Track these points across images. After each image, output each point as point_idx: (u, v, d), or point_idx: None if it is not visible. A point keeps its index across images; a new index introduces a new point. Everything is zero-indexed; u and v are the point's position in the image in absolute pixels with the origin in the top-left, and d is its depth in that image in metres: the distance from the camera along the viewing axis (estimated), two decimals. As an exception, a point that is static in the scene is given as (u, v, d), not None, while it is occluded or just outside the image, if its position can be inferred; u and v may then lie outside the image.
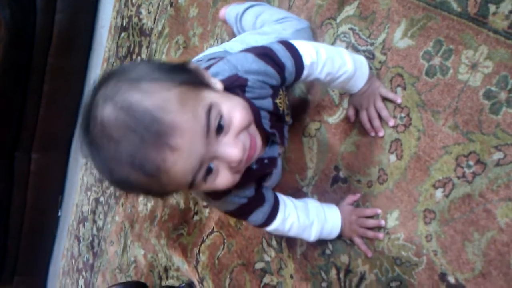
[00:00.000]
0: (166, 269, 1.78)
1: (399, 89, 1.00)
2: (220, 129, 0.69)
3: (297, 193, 1.22)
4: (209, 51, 1.10)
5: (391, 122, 1.01)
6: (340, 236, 1.09)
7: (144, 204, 1.97)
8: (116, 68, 0.72)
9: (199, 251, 1.59)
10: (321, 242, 1.13)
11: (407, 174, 0.99)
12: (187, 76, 0.71)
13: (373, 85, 1.03)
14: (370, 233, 1.04)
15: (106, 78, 0.68)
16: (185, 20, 1.75)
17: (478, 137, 0.87)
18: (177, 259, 1.71)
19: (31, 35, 2.33)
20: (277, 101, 0.88)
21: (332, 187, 1.14)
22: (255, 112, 0.82)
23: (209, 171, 0.71)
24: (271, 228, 1.00)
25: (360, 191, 1.08)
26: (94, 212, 2.47)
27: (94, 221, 2.46)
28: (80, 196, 2.65)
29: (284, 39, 0.95)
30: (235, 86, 0.80)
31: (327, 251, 1.13)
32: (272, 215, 0.98)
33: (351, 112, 1.09)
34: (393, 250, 1.00)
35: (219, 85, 0.76)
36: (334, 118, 1.14)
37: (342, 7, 1.14)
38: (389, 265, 1.01)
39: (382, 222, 1.02)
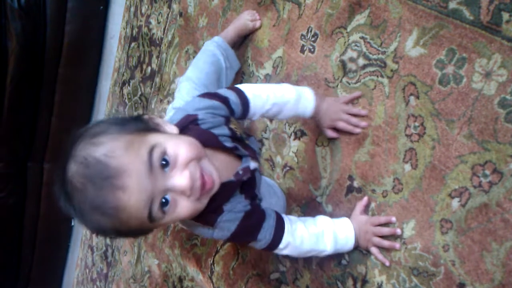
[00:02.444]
0: (180, 279, 1.78)
1: (412, 98, 1.00)
2: (166, 165, 0.78)
3: (310, 203, 1.22)
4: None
5: (363, 112, 1.10)
6: (356, 247, 1.08)
7: (157, 214, 1.97)
8: (82, 129, 0.82)
9: (213, 261, 1.59)
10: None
11: (422, 184, 0.98)
12: (138, 125, 0.83)
13: (330, 101, 1.13)
14: (386, 243, 1.03)
15: (75, 141, 0.79)
16: (194, 30, 1.76)
17: (494, 146, 0.87)
18: (192, 270, 1.71)
19: (42, 47, 2.35)
20: (232, 126, 0.98)
21: (346, 197, 1.14)
22: (212, 137, 0.93)
23: (165, 203, 0.78)
24: (283, 244, 0.98)
25: (375, 201, 1.07)
26: (107, 222, 2.47)
27: (108, 231, 2.46)
28: (93, 205, 2.66)
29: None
30: (188, 122, 0.92)
31: (343, 261, 1.13)
32: (279, 229, 0.98)
33: (331, 133, 1.16)
34: (410, 260, 1.00)
35: (174, 129, 0.88)
36: (347, 128, 1.14)
37: (353, 16, 1.14)
38: (406, 275, 1.00)
39: (398, 231, 1.02)
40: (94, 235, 2.64)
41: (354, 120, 1.11)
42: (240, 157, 1.01)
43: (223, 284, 1.53)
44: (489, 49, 0.88)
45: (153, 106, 2.02)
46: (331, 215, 1.10)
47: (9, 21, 2.22)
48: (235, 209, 0.94)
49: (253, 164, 1.02)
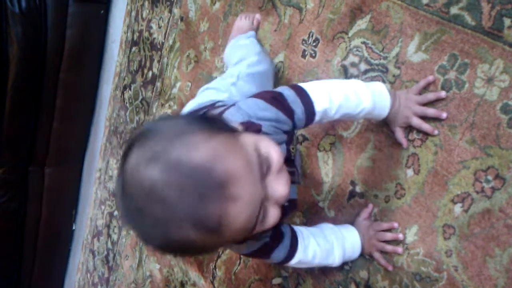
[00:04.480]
0: (182, 284, 1.78)
1: (414, 103, 1.00)
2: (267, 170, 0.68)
3: (313, 208, 1.22)
4: (197, 101, 1.09)
5: (444, 114, 0.94)
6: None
7: (158, 218, 1.97)
8: (144, 129, 0.68)
9: (215, 266, 1.58)
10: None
11: (425, 189, 0.98)
12: (219, 124, 0.71)
13: (401, 99, 0.98)
14: (389, 247, 1.03)
15: (137, 140, 0.66)
16: (195, 35, 1.76)
17: (496, 152, 0.87)
18: (193, 274, 1.71)
19: (43, 51, 2.35)
20: (291, 147, 0.88)
21: (348, 202, 1.14)
22: None
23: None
24: (294, 261, 0.94)
25: (377, 206, 1.07)
26: (108, 226, 2.47)
27: (109, 235, 2.46)
28: (94, 210, 2.66)
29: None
30: (252, 130, 0.78)
31: (346, 267, 1.13)
32: (293, 247, 0.93)
33: (401, 136, 1.02)
34: (413, 266, 0.99)
35: (240, 128, 0.74)
36: (349, 133, 1.14)
37: (354, 21, 1.14)
38: (409, 280, 1.00)
39: (400, 236, 1.02)
40: (95, 240, 2.64)
41: (431, 111, 0.96)
42: None
43: (225, 289, 1.53)
44: (491, 54, 0.88)
45: (154, 111, 2.02)
46: (334, 220, 1.10)
47: (10, 26, 2.22)
48: (264, 234, 0.86)
49: (295, 193, 0.94)
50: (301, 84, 0.87)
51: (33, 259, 2.90)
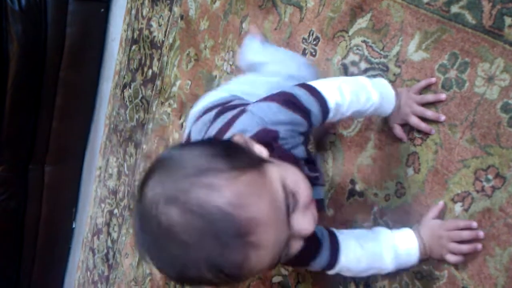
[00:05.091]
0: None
1: (414, 102, 1.00)
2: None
3: (313, 206, 1.22)
4: (213, 97, 1.03)
5: (442, 117, 0.95)
6: (426, 258, 0.96)
7: (158, 216, 1.97)
8: (164, 158, 0.67)
9: (215, 264, 1.58)
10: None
11: (425, 188, 0.98)
12: (244, 157, 0.66)
13: (403, 97, 0.97)
14: (465, 248, 0.89)
15: (157, 171, 0.64)
16: (196, 33, 1.76)
17: (497, 151, 0.87)
18: (193, 272, 1.70)
19: (43, 49, 2.35)
20: (309, 147, 0.86)
21: (348, 201, 1.14)
22: (295, 162, 0.77)
23: None
24: (340, 265, 0.89)
25: (377, 205, 1.07)
26: (108, 224, 2.47)
27: (109, 233, 2.46)
28: (94, 208, 2.66)
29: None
30: (269, 139, 0.74)
31: (345, 266, 1.13)
32: (334, 254, 0.89)
33: (399, 131, 1.01)
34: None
35: (263, 152, 0.70)
36: (349, 131, 1.14)
37: (354, 19, 1.14)
38: (409, 279, 1.00)
39: (481, 233, 0.88)
40: (95, 238, 2.64)
41: (430, 113, 0.96)
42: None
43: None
44: (491, 53, 0.87)
45: (154, 109, 2.02)
46: (333, 219, 1.10)
47: (10, 24, 2.22)
48: None
49: (322, 193, 0.92)
50: (310, 83, 0.85)
51: (32, 257, 2.90)
